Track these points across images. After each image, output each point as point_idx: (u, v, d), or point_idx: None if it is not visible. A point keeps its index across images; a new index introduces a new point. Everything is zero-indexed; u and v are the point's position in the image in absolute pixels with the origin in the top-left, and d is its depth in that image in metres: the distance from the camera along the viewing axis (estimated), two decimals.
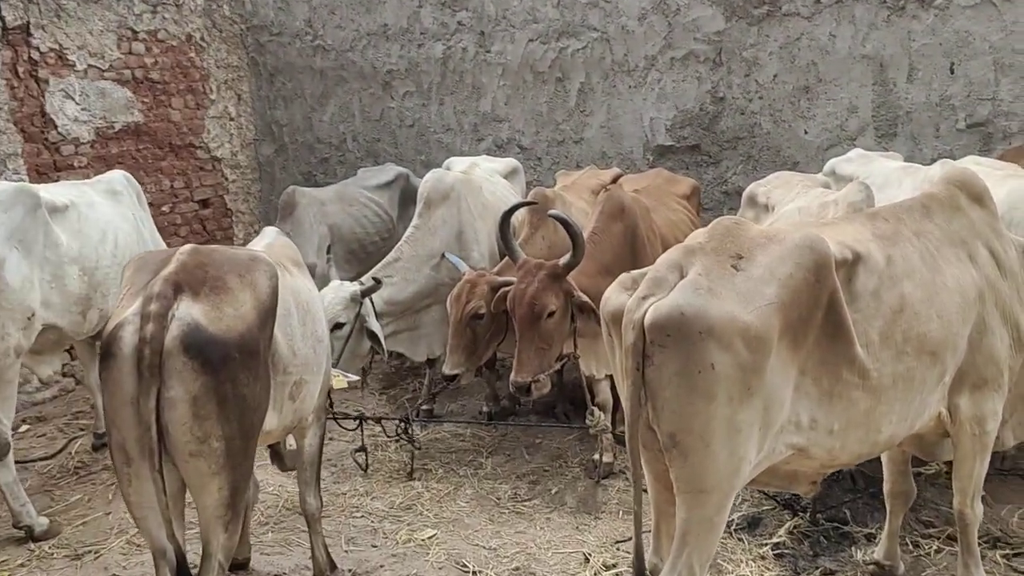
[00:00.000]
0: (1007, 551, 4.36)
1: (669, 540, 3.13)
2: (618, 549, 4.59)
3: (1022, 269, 3.61)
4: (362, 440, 5.57)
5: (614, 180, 6.59)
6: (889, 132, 7.01)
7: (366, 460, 5.59)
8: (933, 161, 6.28)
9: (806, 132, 7.29)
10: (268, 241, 4.22)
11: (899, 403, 3.18)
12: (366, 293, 5.70)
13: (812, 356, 2.98)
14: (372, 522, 5.03)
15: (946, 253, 3.35)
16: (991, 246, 3.50)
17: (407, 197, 7.72)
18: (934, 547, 4.43)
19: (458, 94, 8.55)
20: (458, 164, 7.10)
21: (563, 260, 4.72)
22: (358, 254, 7.53)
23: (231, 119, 9.12)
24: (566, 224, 4.68)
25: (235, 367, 3.10)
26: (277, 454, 4.49)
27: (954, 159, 6.05)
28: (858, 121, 7.10)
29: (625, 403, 2.97)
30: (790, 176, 5.87)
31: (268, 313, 3.35)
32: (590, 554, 4.54)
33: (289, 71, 9.21)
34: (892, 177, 5.52)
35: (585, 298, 4.75)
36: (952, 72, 6.76)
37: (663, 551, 3.19)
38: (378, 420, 5.72)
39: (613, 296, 3.04)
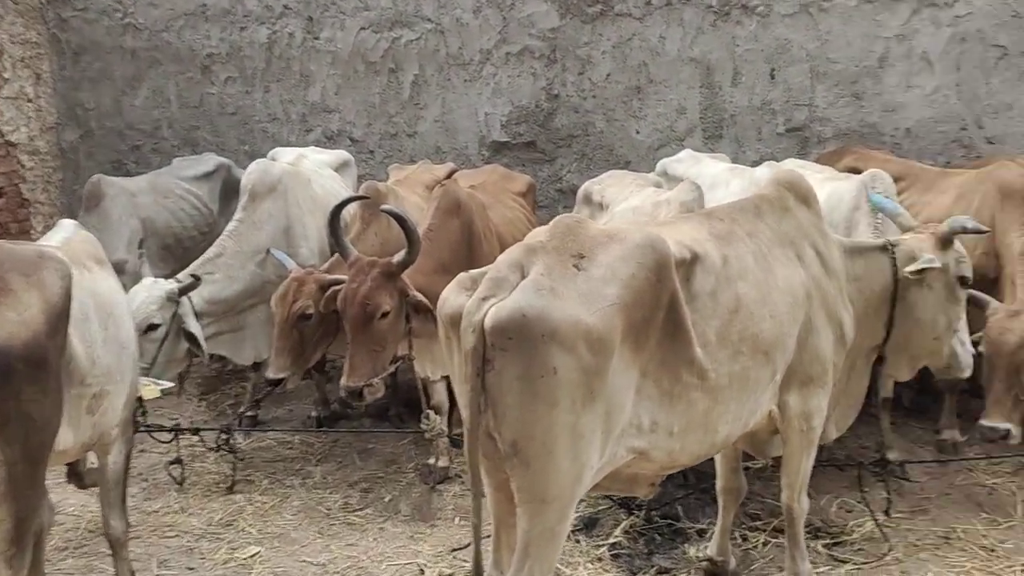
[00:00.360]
0: (827, 540, 4.52)
1: (509, 551, 2.99)
2: (455, 558, 4.43)
3: (846, 268, 3.72)
4: (177, 451, 5.14)
5: (449, 175, 6.41)
6: (715, 134, 7.21)
7: (181, 473, 5.17)
8: (756, 163, 6.51)
9: (638, 132, 7.40)
10: (65, 236, 3.77)
11: (735, 403, 3.18)
12: (184, 291, 5.27)
13: (653, 357, 2.92)
14: (188, 542, 4.64)
15: (776, 253, 3.39)
16: (817, 246, 3.58)
17: (229, 189, 7.24)
18: (761, 540, 4.54)
19: (285, 82, 8.13)
20: (285, 155, 6.72)
21: (397, 258, 4.51)
22: (174, 250, 6.99)
23: (29, 100, 8.28)
24: (401, 220, 4.46)
25: (19, 380, 2.71)
26: (75, 472, 4.04)
27: (776, 161, 6.30)
28: (687, 122, 7.27)
29: (464, 410, 2.81)
30: (623, 175, 5.90)
31: (59, 317, 2.96)
32: (425, 565, 4.36)
33: (96, 50, 8.47)
34: (720, 178, 5.65)
35: (421, 297, 4.55)
36: (772, 78, 7.04)
37: (503, 563, 3.05)
38: (195, 432, 5.29)
39: (451, 297, 2.86)
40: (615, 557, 4.39)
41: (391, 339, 4.54)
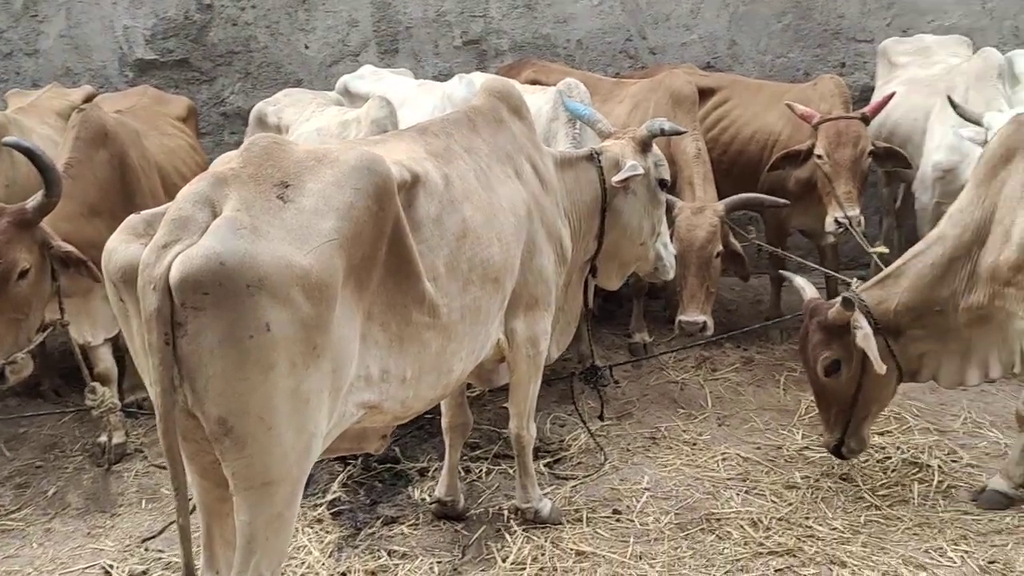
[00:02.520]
0: (548, 459, 4.47)
1: (225, 547, 2.50)
2: (146, 549, 3.78)
3: (560, 182, 3.54)
4: None
5: (87, 100, 5.40)
6: (391, 48, 6.79)
7: None
8: (435, 78, 6.21)
9: (307, 47, 6.76)
10: None
11: (469, 338, 2.90)
12: None
13: (378, 298, 2.52)
14: None
15: (496, 170, 3.11)
16: (533, 161, 3.35)
17: None
18: (484, 469, 4.38)
19: None
20: None
21: (32, 202, 3.64)
22: None
23: None
24: (31, 154, 3.58)
25: None
26: None
27: (454, 75, 6.02)
28: (360, 36, 6.76)
29: (153, 387, 2.22)
30: (301, 94, 5.32)
31: None
32: (112, 565, 3.67)
33: None
34: (409, 94, 5.28)
35: (68, 247, 3.74)
36: None
37: (219, 561, 2.53)
38: None
39: (120, 247, 2.23)
40: (336, 515, 4.00)
41: (36, 303, 3.70)
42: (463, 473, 4.30)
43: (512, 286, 3.17)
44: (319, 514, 4.00)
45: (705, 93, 5.93)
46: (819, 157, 5.11)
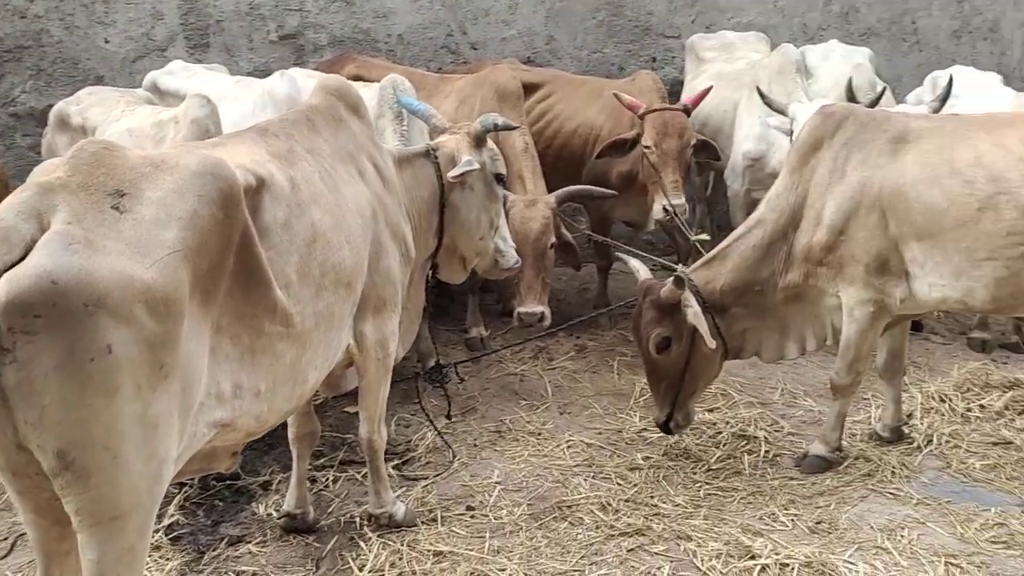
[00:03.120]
0: (396, 461, 4.41)
1: None
2: None
3: (400, 180, 3.49)
4: None
5: None
6: (201, 42, 6.45)
7: None
8: (251, 74, 5.97)
9: (107, 41, 6.31)
10: None
11: (323, 346, 2.80)
12: None
13: (227, 310, 2.38)
14: None
15: (340, 171, 3.02)
16: (375, 159, 3.28)
17: None
18: (331, 477, 4.26)
19: None
20: None
21: None
22: None
23: None
24: None
25: None
26: None
27: (270, 71, 5.82)
28: (166, 29, 6.38)
29: None
30: (107, 92, 4.96)
31: None
32: None
33: None
34: (226, 92, 5.02)
35: None
36: None
37: None
38: None
39: None
40: (175, 540, 3.76)
41: None
42: (309, 483, 4.16)
43: (361, 289, 3.09)
44: (156, 540, 3.74)
45: (529, 88, 6.03)
46: (646, 147, 5.31)
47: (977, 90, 5.83)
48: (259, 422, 2.62)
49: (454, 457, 4.40)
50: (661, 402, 4.19)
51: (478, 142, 3.93)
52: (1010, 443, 4.45)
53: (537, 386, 5.28)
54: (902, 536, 3.68)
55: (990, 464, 4.25)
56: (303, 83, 4.93)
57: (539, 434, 4.68)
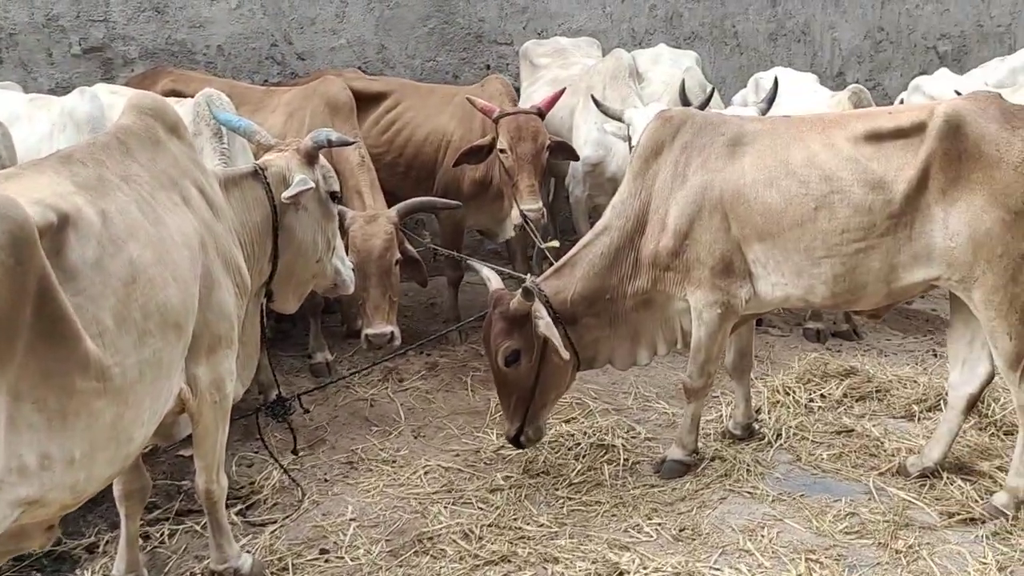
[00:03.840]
0: (239, 506, 4.08)
1: None
2: None
3: (228, 204, 3.20)
4: None
5: None
6: None
7: None
8: (52, 91, 5.46)
9: None
10: None
11: (150, 398, 2.49)
12: None
13: (27, 371, 2.06)
14: None
15: (161, 199, 2.70)
16: (199, 183, 2.98)
17: None
18: (166, 531, 3.89)
19: None
20: None
21: None
22: None
23: None
24: None
25: None
26: None
27: (74, 87, 5.32)
28: None
29: None
30: None
31: None
32: None
33: None
34: (20, 112, 4.54)
35: None
36: None
37: None
38: None
39: None
40: None
41: None
42: (142, 540, 3.78)
43: (193, 328, 2.78)
44: None
45: (375, 97, 5.85)
46: (501, 151, 5.20)
47: (797, 90, 6.08)
48: (75, 493, 2.29)
49: (303, 496, 4.12)
50: (512, 416, 4.09)
51: (310, 159, 3.67)
52: (852, 431, 4.61)
53: (389, 410, 5.05)
54: (762, 536, 3.71)
55: (836, 453, 4.38)
56: (108, 100, 4.50)
57: (394, 462, 4.47)
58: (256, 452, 4.51)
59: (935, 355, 5.64)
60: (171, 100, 4.60)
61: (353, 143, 4.13)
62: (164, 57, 6.25)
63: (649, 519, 3.87)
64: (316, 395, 5.13)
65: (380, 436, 4.74)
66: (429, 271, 5.42)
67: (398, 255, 4.83)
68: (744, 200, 3.88)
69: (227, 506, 3.91)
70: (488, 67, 7.16)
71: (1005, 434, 4.44)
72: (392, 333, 4.75)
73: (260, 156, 3.76)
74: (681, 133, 4.07)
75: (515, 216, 5.27)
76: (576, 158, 5.54)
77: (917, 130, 3.70)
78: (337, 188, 3.86)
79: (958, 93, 5.39)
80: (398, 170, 5.79)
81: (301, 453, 4.49)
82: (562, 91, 5.44)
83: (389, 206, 5.01)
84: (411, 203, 5.02)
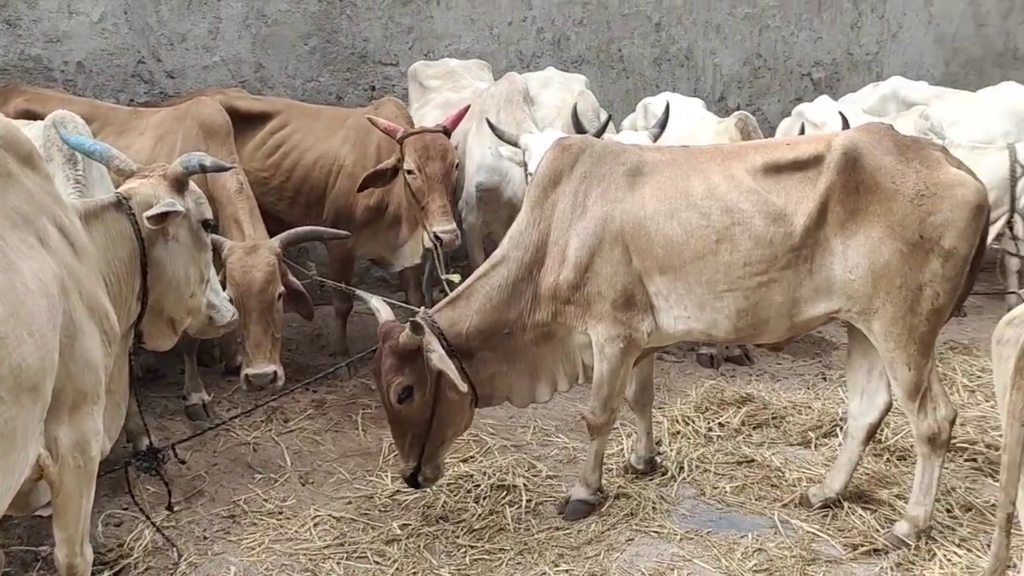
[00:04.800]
0: (106, 572, 3.69)
1: None
2: None
3: (91, 241, 2.86)
4: None
5: None
6: None
7: None
8: None
9: None
10: None
11: (2, 473, 2.14)
12: None
13: None
14: None
15: (13, 241, 2.35)
16: (59, 221, 2.63)
17: None
18: None
19: None
20: None
21: None
22: None
23: None
24: None
25: None
26: None
27: None
28: None
29: None
30: None
31: None
32: None
33: None
34: None
35: None
36: None
37: None
38: None
39: None
40: None
41: None
42: None
43: (52, 386, 2.44)
44: None
45: (260, 118, 5.53)
46: (409, 172, 4.95)
47: (684, 116, 6.10)
48: None
49: (180, 557, 3.76)
50: (407, 454, 3.86)
51: (179, 186, 3.35)
52: (752, 460, 4.57)
53: (273, 455, 4.72)
54: None
55: (739, 486, 4.32)
56: None
57: (280, 513, 4.15)
58: (125, 509, 4.11)
59: (824, 378, 5.71)
60: (21, 123, 4.19)
61: (230, 168, 3.83)
62: (17, 74, 5.73)
63: (556, 566, 3.70)
64: (193, 442, 4.74)
65: (264, 485, 4.41)
66: (315, 301, 5.11)
67: (281, 288, 4.51)
68: (645, 232, 3.78)
69: (94, 571, 3.54)
70: (373, 88, 6.91)
71: (899, 459, 4.49)
72: (275, 373, 4.42)
73: (121, 184, 3.41)
74: (580, 162, 3.94)
75: (426, 239, 5.03)
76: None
77: (815, 162, 3.69)
78: (210, 216, 3.56)
79: (843, 115, 5.48)
80: (286, 195, 5.50)
81: (176, 508, 4.10)
82: (467, 108, 5.24)
83: (275, 233, 4.70)
84: (295, 233, 4.71)
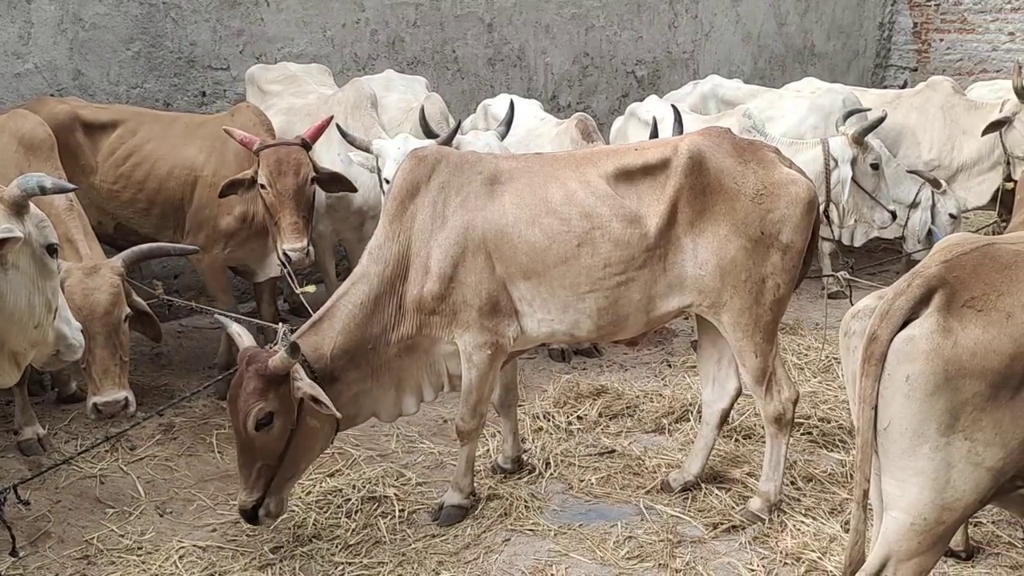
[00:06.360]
0: None
1: None
2: None
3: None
4: None
5: None
6: None
7: None
8: None
9: None
10: None
11: None
12: None
13: None
14: None
15: None
16: None
17: None
18: None
19: None
20: None
21: None
22: None
23: None
24: None
25: None
26: None
27: None
28: None
29: None
30: None
31: None
32: None
33: None
34: None
35: None
36: None
37: None
38: None
39: None
40: None
41: None
42: None
43: None
44: None
45: (106, 127, 5.25)
46: (262, 186, 4.75)
47: (524, 116, 6.22)
48: None
49: None
50: (252, 485, 3.64)
51: (17, 209, 3.12)
52: (613, 451, 4.76)
53: (123, 486, 4.47)
54: (552, 574, 3.70)
55: (603, 477, 4.49)
56: None
57: (140, 549, 3.95)
58: None
59: (669, 365, 5.99)
60: None
61: (73, 189, 3.60)
62: None
63: (437, 574, 3.72)
64: (34, 482, 4.41)
65: (118, 519, 4.18)
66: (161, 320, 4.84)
67: (127, 309, 4.27)
68: (508, 239, 3.85)
69: None
70: (204, 94, 6.62)
71: (745, 438, 4.81)
72: (126, 399, 4.17)
73: None
74: (437, 172, 3.96)
75: (279, 255, 4.86)
76: (354, 190, 5.18)
77: (663, 167, 3.88)
78: (55, 240, 3.33)
79: (675, 108, 5.67)
80: (139, 207, 5.24)
81: (22, 554, 3.81)
82: (330, 119, 5.07)
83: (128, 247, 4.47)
84: (138, 250, 4.45)
